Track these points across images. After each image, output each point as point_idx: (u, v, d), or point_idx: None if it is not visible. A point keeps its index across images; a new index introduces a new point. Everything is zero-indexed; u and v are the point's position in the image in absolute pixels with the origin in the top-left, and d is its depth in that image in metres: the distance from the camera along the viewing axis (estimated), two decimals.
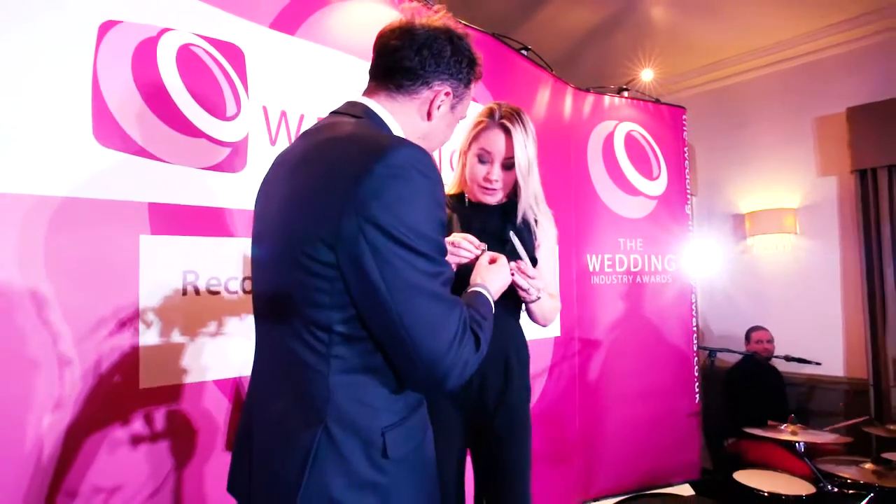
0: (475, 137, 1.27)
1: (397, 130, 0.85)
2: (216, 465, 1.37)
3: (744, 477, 2.64)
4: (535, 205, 1.33)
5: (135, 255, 1.27)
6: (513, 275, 1.11)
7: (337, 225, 0.68)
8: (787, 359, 3.41)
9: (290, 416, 0.73)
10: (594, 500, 2.82)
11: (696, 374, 3.15)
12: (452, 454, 1.25)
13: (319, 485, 0.69)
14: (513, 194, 1.31)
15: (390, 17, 1.84)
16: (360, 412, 0.72)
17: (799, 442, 2.40)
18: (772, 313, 4.03)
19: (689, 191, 3.22)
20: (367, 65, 0.93)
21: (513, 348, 1.29)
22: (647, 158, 3.05)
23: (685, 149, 3.23)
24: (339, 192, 0.69)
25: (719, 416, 3.40)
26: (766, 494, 2.49)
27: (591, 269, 2.85)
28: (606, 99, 2.99)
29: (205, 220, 1.40)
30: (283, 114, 1.59)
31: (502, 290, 1.03)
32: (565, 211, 2.75)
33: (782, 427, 2.53)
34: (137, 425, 1.24)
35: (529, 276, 1.15)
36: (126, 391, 1.23)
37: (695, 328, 3.18)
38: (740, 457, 3.03)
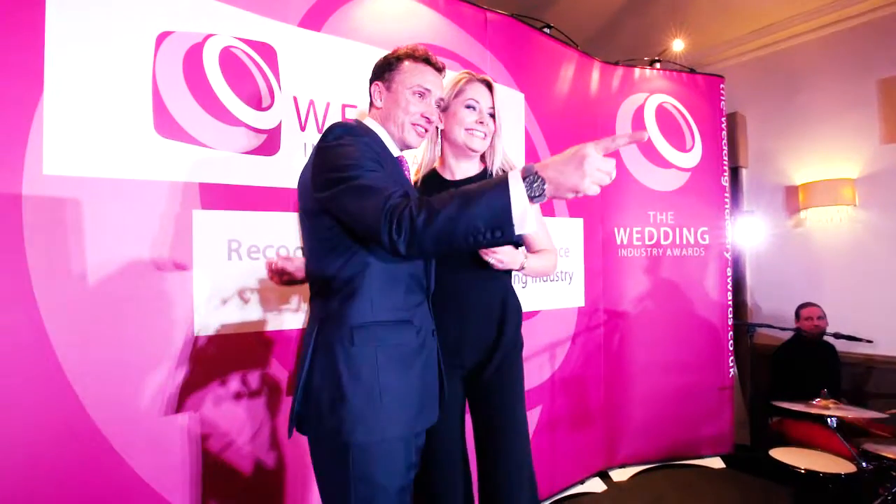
0: (461, 91, 1.43)
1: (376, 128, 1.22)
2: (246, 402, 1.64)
3: (781, 454, 2.61)
4: (507, 158, 1.52)
5: (189, 227, 1.53)
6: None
7: None
8: (837, 336, 3.29)
9: None
10: (619, 467, 2.92)
11: (730, 348, 3.12)
12: (455, 411, 1.42)
13: None
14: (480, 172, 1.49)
15: (408, 8, 2.01)
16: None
17: (831, 417, 2.36)
18: (826, 290, 3.84)
19: (726, 162, 3.15)
20: (387, 54, 1.24)
21: (506, 305, 1.44)
22: (680, 130, 3.01)
23: (723, 119, 3.15)
24: None
25: (765, 394, 3.34)
26: (802, 471, 2.47)
27: (618, 241, 2.90)
28: (637, 71, 2.98)
29: (245, 197, 1.64)
30: (311, 102, 1.80)
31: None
32: None
33: (814, 401, 2.49)
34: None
35: (493, 251, 1.31)
36: (182, 336, 1.51)
37: (730, 302, 3.13)
38: (783, 436, 2.99)
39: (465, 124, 1.43)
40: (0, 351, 1.26)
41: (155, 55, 1.51)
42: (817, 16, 3.83)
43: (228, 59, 1.64)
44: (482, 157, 1.52)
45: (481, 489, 1.44)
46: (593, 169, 0.84)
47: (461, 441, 1.46)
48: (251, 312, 1.65)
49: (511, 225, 0.87)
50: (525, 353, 2.34)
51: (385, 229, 0.92)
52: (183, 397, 1.51)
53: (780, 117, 4.19)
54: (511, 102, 2.37)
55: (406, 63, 1.22)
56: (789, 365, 3.30)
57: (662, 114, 2.99)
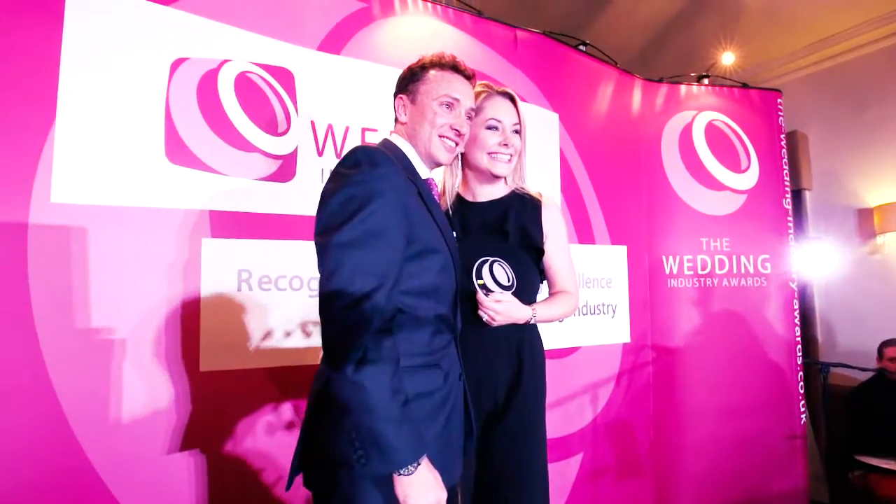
0: (480, 109, 1.27)
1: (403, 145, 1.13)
2: (262, 441, 1.51)
3: None
4: (524, 179, 1.39)
5: (197, 257, 1.46)
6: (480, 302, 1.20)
7: None
8: None
9: None
10: None
11: (801, 390, 2.76)
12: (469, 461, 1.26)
13: None
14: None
15: (433, 28, 1.93)
16: None
17: None
18: None
19: (788, 183, 2.86)
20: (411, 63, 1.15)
21: (522, 351, 1.27)
22: (734, 149, 2.77)
23: (782, 136, 2.88)
24: None
25: (842, 444, 2.95)
26: None
27: (667, 271, 2.65)
28: (683, 88, 2.78)
29: (258, 225, 1.57)
30: (330, 126, 1.73)
31: None
32: (635, 209, 2.59)
33: None
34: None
35: (486, 307, 1.21)
36: (187, 370, 1.42)
37: (798, 339, 2.79)
38: (867, 492, 2.61)
39: (488, 148, 1.29)
40: None
41: (169, 82, 1.48)
42: (881, 24, 3.52)
43: (244, 85, 1.59)
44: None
45: None
46: None
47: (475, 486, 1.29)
48: (269, 347, 1.55)
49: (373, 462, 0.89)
50: (562, 394, 2.16)
51: (331, 329, 0.90)
52: (188, 435, 1.41)
53: (847, 135, 3.84)
54: (544, 123, 2.22)
55: (432, 72, 1.11)
56: (869, 410, 2.90)
57: (713, 132, 2.76)
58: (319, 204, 0.98)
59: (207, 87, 1.53)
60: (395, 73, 1.77)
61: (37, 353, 1.26)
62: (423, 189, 1.06)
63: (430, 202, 1.07)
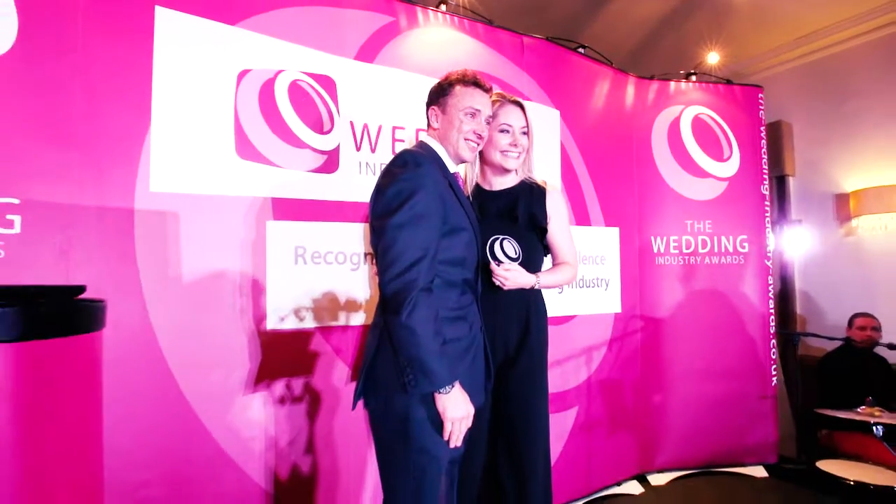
0: (494, 115, 1.56)
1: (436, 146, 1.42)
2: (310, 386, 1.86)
3: (828, 465, 2.59)
4: (531, 170, 1.69)
5: (263, 236, 1.78)
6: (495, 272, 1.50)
7: None
8: (891, 347, 3.20)
9: None
10: (658, 471, 2.96)
11: (773, 357, 3.11)
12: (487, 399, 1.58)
13: None
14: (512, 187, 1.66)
15: (451, 37, 2.22)
16: None
17: (877, 425, 2.34)
18: (880, 299, 3.73)
19: (767, 171, 3.16)
20: (432, 81, 1.42)
21: (529, 313, 1.59)
22: (717, 140, 3.07)
23: (762, 128, 3.17)
24: None
25: (812, 406, 3.29)
26: (850, 483, 2.44)
27: (655, 250, 2.97)
28: (672, 85, 3.07)
29: (309, 210, 1.89)
30: (366, 126, 2.04)
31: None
32: (627, 194, 2.91)
33: (859, 409, 2.47)
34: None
35: (497, 274, 1.51)
36: (257, 328, 1.75)
37: (772, 311, 3.12)
38: (833, 449, 2.93)
39: (500, 147, 1.60)
40: (113, 342, 1.53)
41: (236, 90, 1.79)
42: (863, 20, 3.78)
43: (296, 91, 1.89)
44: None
45: (497, 475, 1.58)
46: (459, 424, 1.24)
47: (490, 424, 1.62)
48: (318, 311, 1.88)
49: (420, 384, 1.22)
50: (561, 355, 2.50)
51: (389, 289, 1.21)
52: (259, 380, 1.75)
53: (828, 124, 4.12)
54: (547, 119, 2.53)
55: (457, 87, 1.39)
56: (836, 374, 3.22)
57: (699, 125, 3.05)
58: (375, 194, 1.29)
59: (266, 93, 1.84)
60: (420, 79, 2.10)
61: (143, 309, 1.59)
62: (452, 181, 1.37)
63: (459, 191, 1.39)
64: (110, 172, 1.56)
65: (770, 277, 3.12)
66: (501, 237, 1.60)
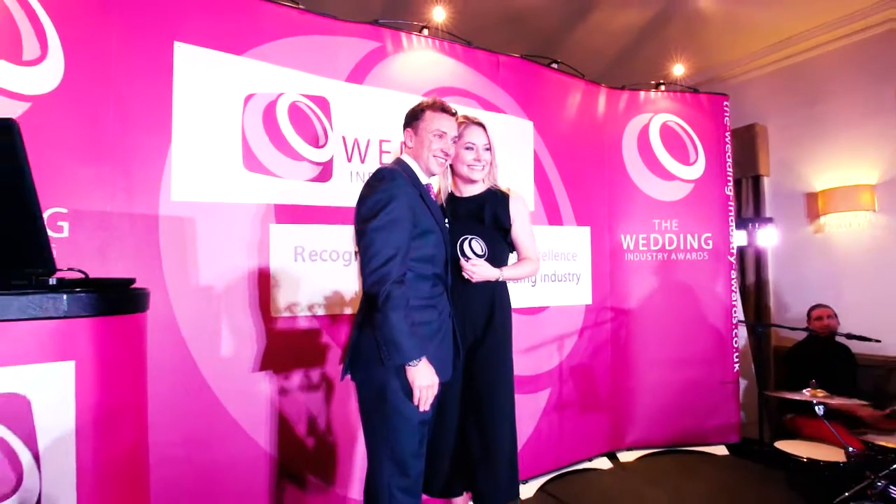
0: (461, 135, 1.83)
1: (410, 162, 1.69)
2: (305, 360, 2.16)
3: (785, 445, 2.87)
4: (496, 178, 1.96)
5: (266, 237, 2.08)
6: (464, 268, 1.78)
7: None
8: (849, 336, 3.45)
9: None
10: (627, 450, 3.24)
11: (736, 345, 3.37)
12: (458, 376, 1.86)
13: None
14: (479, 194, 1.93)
15: (432, 59, 2.49)
16: None
17: (819, 405, 2.59)
18: (844, 292, 3.98)
19: (731, 173, 3.41)
20: (415, 98, 1.78)
21: (493, 302, 1.87)
22: (684, 145, 3.32)
23: (727, 133, 3.42)
24: None
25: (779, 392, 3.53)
26: (804, 460, 2.72)
27: (625, 247, 3.25)
28: (641, 94, 3.32)
29: (307, 214, 2.18)
30: (356, 140, 2.33)
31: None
32: (598, 196, 3.18)
33: (804, 391, 2.74)
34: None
35: (466, 269, 1.77)
36: (262, 316, 2.06)
37: (735, 302, 3.39)
38: (796, 432, 3.17)
39: (466, 161, 1.88)
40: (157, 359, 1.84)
41: (243, 111, 2.08)
42: (835, 27, 4.00)
43: (294, 111, 2.19)
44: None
45: (467, 440, 1.86)
46: (427, 391, 1.52)
47: (461, 398, 1.90)
48: (314, 301, 2.18)
49: (394, 358, 1.50)
50: (534, 342, 2.78)
51: (368, 281, 1.50)
52: (265, 360, 2.06)
53: (801, 127, 4.36)
54: (521, 130, 2.80)
55: (427, 113, 1.68)
56: (802, 362, 3.46)
57: (666, 131, 3.31)
58: (359, 203, 1.58)
59: (269, 113, 2.13)
60: (405, 96, 2.38)
61: (166, 299, 1.89)
62: (423, 191, 1.66)
63: (428, 200, 1.67)
64: (139, 185, 1.86)
65: (733, 272, 3.38)
66: (470, 237, 1.89)
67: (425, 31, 2.57)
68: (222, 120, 2.03)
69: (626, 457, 3.20)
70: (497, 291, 1.91)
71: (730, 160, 3.43)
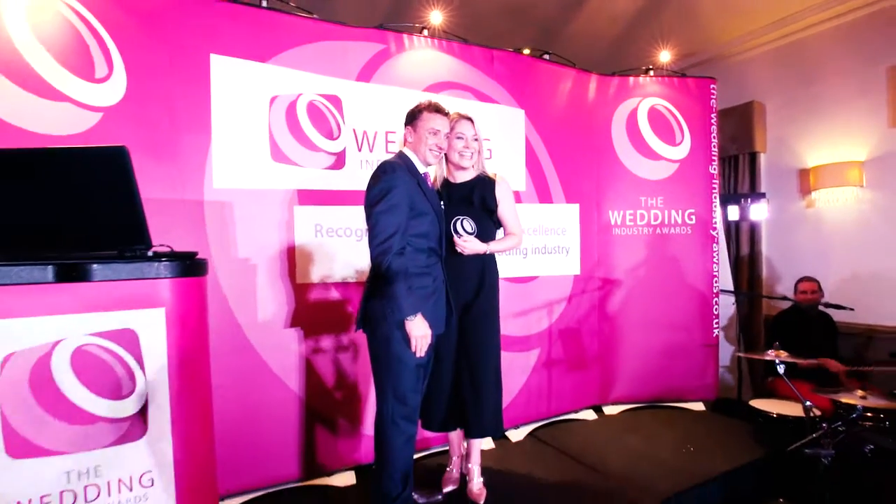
0: (453, 128, 2.17)
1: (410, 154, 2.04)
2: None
3: (759, 403, 3.20)
4: (484, 166, 2.31)
5: (291, 217, 2.49)
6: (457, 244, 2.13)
7: None
8: (826, 305, 3.70)
9: None
10: (612, 404, 3.62)
11: (716, 312, 3.68)
12: (453, 331, 2.24)
13: None
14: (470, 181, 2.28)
15: (432, 57, 2.82)
16: None
17: (780, 363, 2.89)
18: (832, 264, 4.20)
19: (715, 153, 3.65)
20: (417, 93, 2.26)
21: (483, 272, 2.25)
22: (670, 127, 3.57)
23: (713, 115, 3.65)
24: None
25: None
26: (774, 415, 3.06)
27: (612, 222, 3.56)
28: (631, 80, 3.57)
29: (324, 197, 2.58)
30: (365, 132, 2.69)
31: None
32: (587, 176, 3.48)
33: (768, 352, 3.04)
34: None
35: (458, 244, 2.12)
36: (290, 282, 2.49)
37: (716, 273, 3.67)
38: (774, 393, 3.46)
39: (458, 150, 2.23)
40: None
41: (269, 111, 2.46)
42: (829, 6, 4.11)
43: (312, 109, 2.56)
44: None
45: (460, 387, 2.27)
46: (421, 340, 1.90)
47: (455, 350, 2.30)
48: (332, 270, 2.60)
49: (395, 315, 1.89)
50: (525, 307, 3.15)
51: (374, 253, 1.89)
52: (294, 319, 2.50)
53: (797, 104, 4.50)
54: (513, 118, 3.11)
55: (425, 113, 2.04)
56: (786, 329, 3.68)
57: (654, 114, 3.56)
58: (367, 190, 1.94)
59: (291, 112, 2.51)
60: (408, 92, 2.72)
61: (213, 270, 2.32)
62: (420, 180, 2.03)
63: (424, 187, 2.04)
64: (187, 176, 2.28)
65: (716, 245, 3.66)
66: (461, 217, 2.26)
67: (425, 32, 2.88)
68: (252, 119, 2.42)
69: (610, 410, 3.59)
70: (486, 262, 2.28)
71: (715, 140, 3.66)
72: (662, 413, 3.56)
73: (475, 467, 2.40)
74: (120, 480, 1.28)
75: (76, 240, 1.33)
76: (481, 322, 2.27)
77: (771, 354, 2.99)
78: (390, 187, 1.89)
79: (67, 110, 1.97)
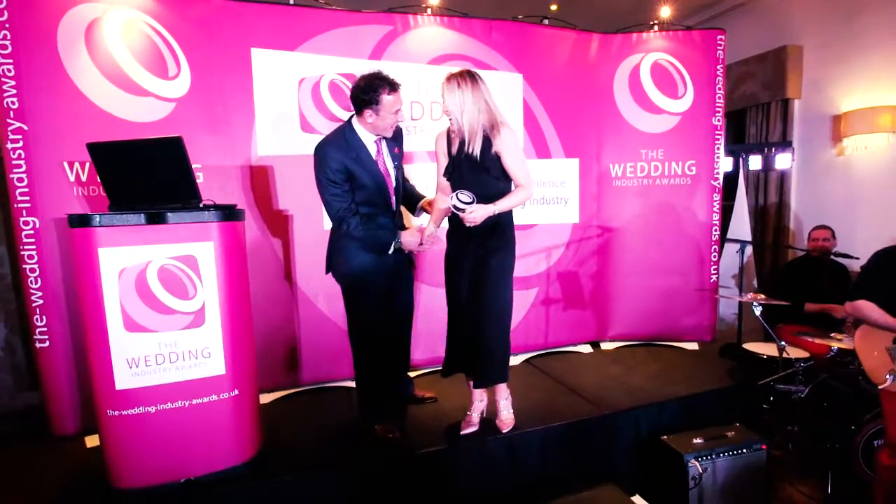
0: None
1: (361, 132, 2.46)
2: None
3: (753, 345, 3.47)
4: (489, 129, 2.22)
5: None
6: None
7: None
8: (835, 254, 3.79)
9: None
10: (609, 341, 4.03)
11: (714, 259, 3.89)
12: (466, 277, 2.36)
13: None
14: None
15: (434, 33, 3.25)
16: None
17: (757, 305, 3.15)
18: (860, 214, 4.17)
19: (720, 105, 3.74)
20: (423, 68, 2.87)
21: (495, 226, 2.25)
22: (673, 81, 3.71)
23: (719, 66, 3.71)
24: None
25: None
26: (764, 357, 3.35)
27: (613, 175, 3.84)
28: (634, 36, 3.72)
29: None
30: None
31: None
32: (587, 131, 3.77)
33: (748, 294, 3.30)
34: None
35: (467, 219, 2.13)
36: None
37: (715, 222, 3.85)
38: (780, 338, 3.68)
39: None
40: (255, 253, 3.03)
41: (298, 91, 3.06)
42: None
43: (333, 87, 3.12)
44: None
45: (466, 337, 2.54)
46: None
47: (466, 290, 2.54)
48: None
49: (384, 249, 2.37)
50: (522, 252, 3.62)
51: (333, 221, 2.39)
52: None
53: (837, 45, 4.34)
54: (510, 82, 3.47)
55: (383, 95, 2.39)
56: (795, 276, 3.83)
57: (657, 69, 3.71)
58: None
59: (315, 91, 3.09)
60: (415, 66, 3.18)
61: (261, 223, 3.04)
62: (360, 153, 2.50)
63: (362, 160, 2.50)
64: (237, 146, 2.97)
65: (716, 195, 3.82)
66: (456, 192, 2.19)
67: (428, 10, 3.29)
68: (285, 98, 3.04)
69: (607, 346, 4.01)
70: (496, 221, 2.26)
71: (720, 92, 3.74)
72: (656, 350, 3.89)
73: (502, 401, 2.55)
74: (190, 351, 2.04)
75: (158, 197, 2.04)
76: (494, 277, 2.30)
77: (749, 296, 3.25)
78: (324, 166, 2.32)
79: (151, 103, 2.70)
